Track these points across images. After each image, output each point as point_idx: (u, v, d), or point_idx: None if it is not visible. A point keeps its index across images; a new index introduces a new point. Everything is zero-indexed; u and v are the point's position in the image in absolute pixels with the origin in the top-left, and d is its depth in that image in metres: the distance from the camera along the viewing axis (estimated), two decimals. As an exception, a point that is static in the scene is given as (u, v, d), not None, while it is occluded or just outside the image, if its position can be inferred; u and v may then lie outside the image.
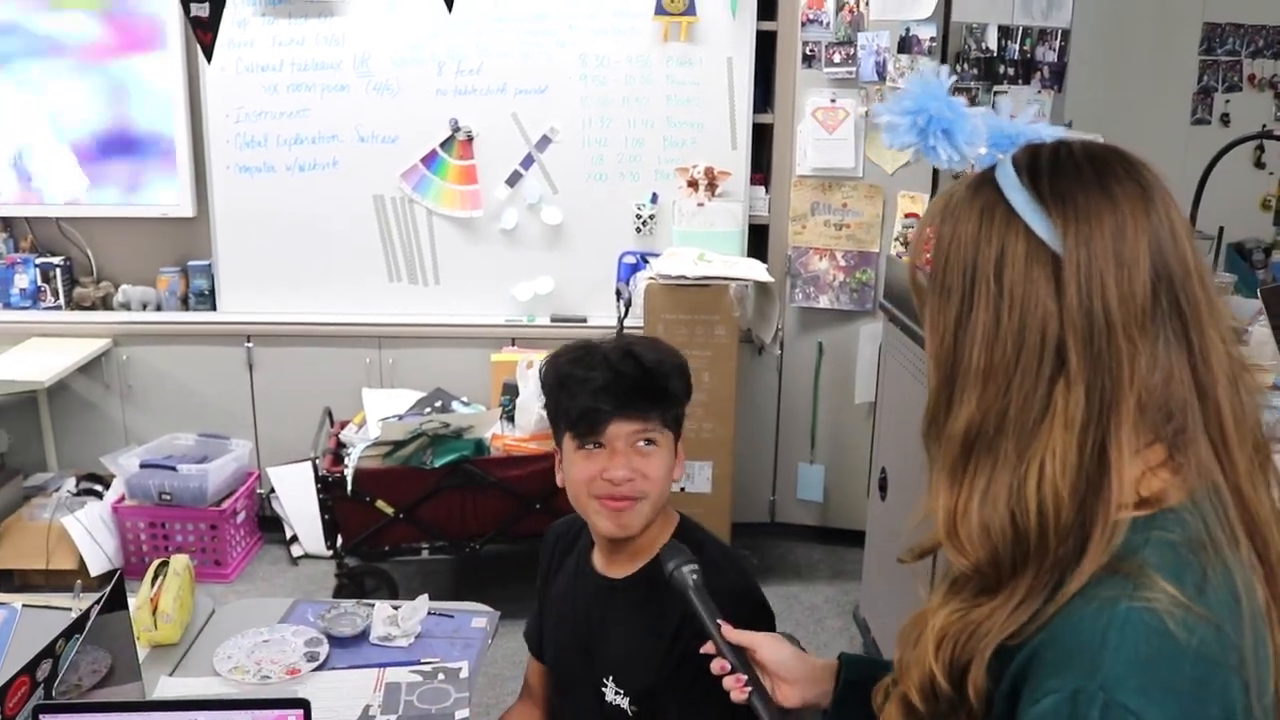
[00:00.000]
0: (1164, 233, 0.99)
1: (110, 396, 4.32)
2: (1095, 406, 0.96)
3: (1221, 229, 2.95)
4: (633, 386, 1.70)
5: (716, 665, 1.40)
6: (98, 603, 1.66)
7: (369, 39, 4.10)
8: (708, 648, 1.42)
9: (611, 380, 1.69)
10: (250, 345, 4.26)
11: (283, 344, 4.27)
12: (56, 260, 4.36)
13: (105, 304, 4.38)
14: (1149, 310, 0.97)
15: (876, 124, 1.28)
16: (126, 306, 4.34)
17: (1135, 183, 1.01)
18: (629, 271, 4.09)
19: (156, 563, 2.16)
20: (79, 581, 2.29)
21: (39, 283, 4.35)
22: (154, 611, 2.03)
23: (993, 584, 0.98)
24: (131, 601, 1.92)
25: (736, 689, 1.37)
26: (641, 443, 1.71)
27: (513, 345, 4.15)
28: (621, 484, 1.70)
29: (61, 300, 4.36)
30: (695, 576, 1.49)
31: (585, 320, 4.22)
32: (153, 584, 2.09)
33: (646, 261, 4.06)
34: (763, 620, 1.74)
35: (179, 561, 2.15)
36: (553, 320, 4.24)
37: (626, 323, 3.92)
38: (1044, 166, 1.03)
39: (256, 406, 4.32)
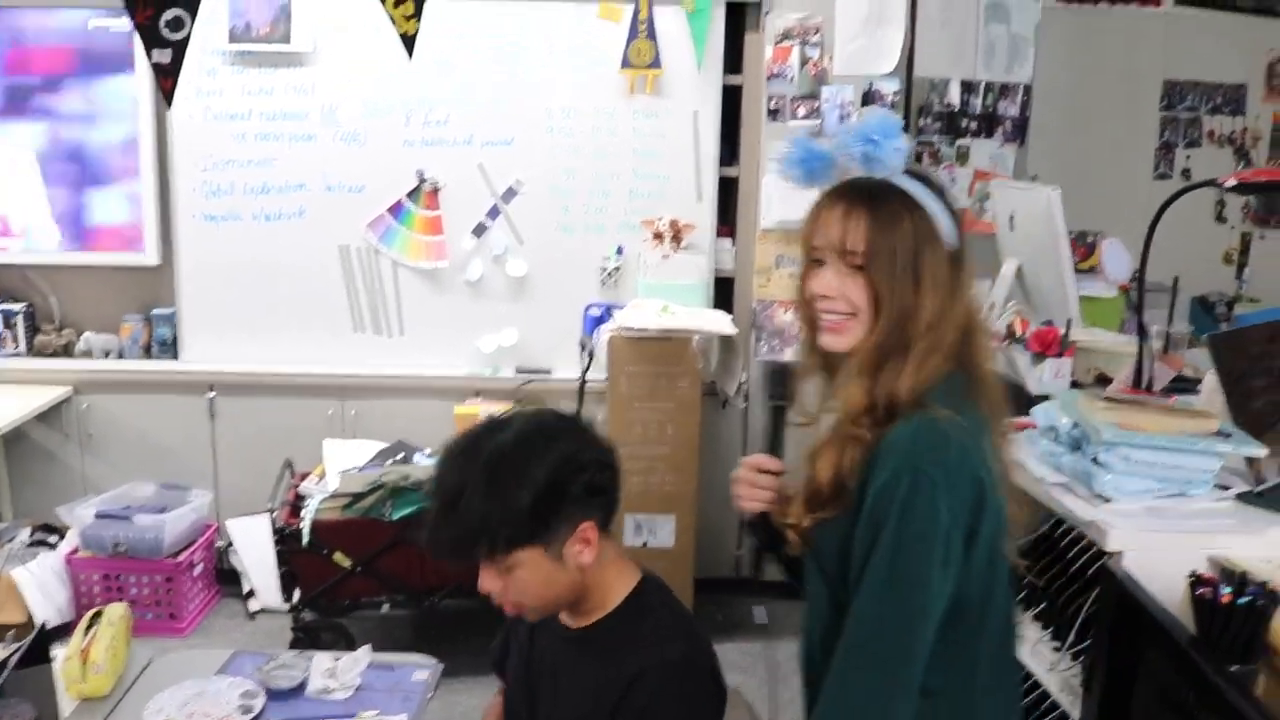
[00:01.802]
0: None
1: (69, 445, 4.28)
2: (965, 313, 1.56)
3: (1176, 279, 2.97)
4: (443, 549, 1.64)
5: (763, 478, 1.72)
6: (15, 653, 1.62)
7: (337, 90, 4.11)
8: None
9: (430, 543, 1.65)
10: (213, 395, 4.23)
11: (245, 394, 4.24)
12: (18, 307, 4.33)
13: (67, 351, 4.34)
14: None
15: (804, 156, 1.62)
16: (88, 354, 4.31)
17: None
18: (594, 324, 4.07)
19: (91, 613, 2.11)
20: (12, 632, 2.24)
21: (1, 329, 4.31)
22: (84, 662, 1.98)
23: (876, 426, 1.51)
24: (62, 652, 1.88)
25: (761, 500, 1.71)
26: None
27: (476, 397, 4.12)
28: (501, 603, 1.70)
29: (23, 347, 4.32)
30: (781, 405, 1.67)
31: (549, 372, 4.21)
32: (86, 634, 2.05)
33: (611, 314, 4.04)
34: (712, 695, 1.70)
35: (114, 610, 2.10)
36: (517, 372, 4.22)
37: (590, 375, 3.91)
38: (935, 184, 1.59)
39: (218, 457, 4.28)
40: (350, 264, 4.22)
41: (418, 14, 2.96)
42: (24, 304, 4.36)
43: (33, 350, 4.34)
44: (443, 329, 4.25)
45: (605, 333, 3.90)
